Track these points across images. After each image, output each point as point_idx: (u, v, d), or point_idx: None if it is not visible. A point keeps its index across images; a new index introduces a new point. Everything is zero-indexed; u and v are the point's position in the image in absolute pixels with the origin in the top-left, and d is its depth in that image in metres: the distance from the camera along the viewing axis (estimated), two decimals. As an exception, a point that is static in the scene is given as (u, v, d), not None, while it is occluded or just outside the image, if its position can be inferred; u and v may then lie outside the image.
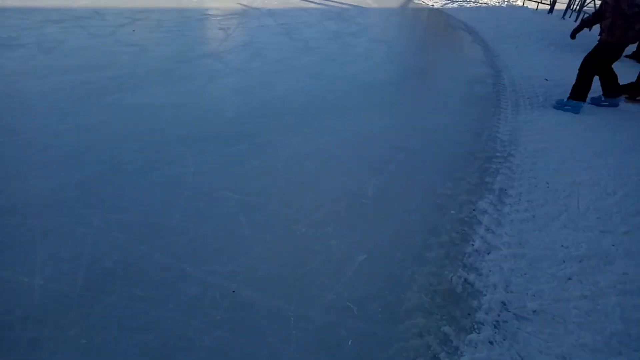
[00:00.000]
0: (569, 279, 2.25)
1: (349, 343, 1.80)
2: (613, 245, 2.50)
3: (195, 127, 3.74)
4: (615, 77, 4.79)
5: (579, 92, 4.74)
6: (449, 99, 5.23)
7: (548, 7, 11.97)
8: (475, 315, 2.00)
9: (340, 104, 4.64)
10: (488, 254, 2.44)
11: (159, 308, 1.90)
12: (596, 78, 4.82)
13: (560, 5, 12.06)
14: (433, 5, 14.04)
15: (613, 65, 4.76)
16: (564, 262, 2.38)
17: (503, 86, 5.84)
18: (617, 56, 4.62)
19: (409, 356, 1.77)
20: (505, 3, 13.41)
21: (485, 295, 2.13)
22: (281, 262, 2.24)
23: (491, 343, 1.85)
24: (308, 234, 2.48)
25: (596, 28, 4.92)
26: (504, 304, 2.07)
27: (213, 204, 2.68)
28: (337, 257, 2.31)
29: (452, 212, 2.81)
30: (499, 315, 2.00)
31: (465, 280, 2.23)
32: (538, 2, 12.58)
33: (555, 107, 4.93)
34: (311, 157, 3.38)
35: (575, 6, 11.08)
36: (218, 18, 8.78)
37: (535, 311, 2.02)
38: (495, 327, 1.94)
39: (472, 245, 2.51)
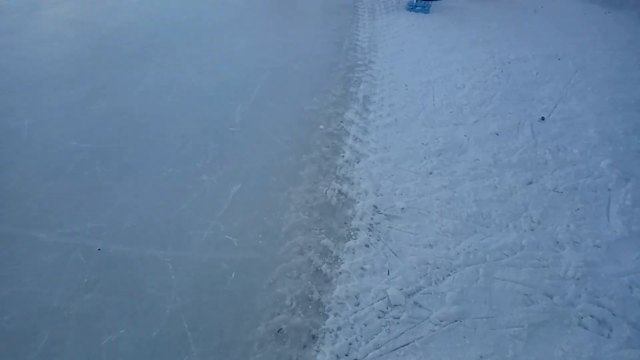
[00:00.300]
0: (430, 173, 2.43)
1: (232, 276, 1.78)
2: (465, 136, 2.73)
3: (22, 71, 3.19)
4: None
5: None
6: (308, 10, 5.10)
7: None
8: (351, 223, 2.09)
9: (196, 26, 4.28)
10: (358, 162, 2.52)
11: (12, 284, 1.68)
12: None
13: None
14: None
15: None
16: (425, 158, 2.54)
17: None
18: None
19: (293, 275, 1.81)
20: None
21: (358, 202, 2.22)
22: (150, 208, 2.09)
23: (367, 246, 1.96)
24: (176, 173, 2.33)
25: None
26: (375, 207, 2.18)
27: (59, 157, 2.36)
28: (210, 192, 2.22)
29: (321, 127, 2.82)
30: (372, 219, 2.11)
31: (339, 191, 2.29)
32: None
33: (407, 9, 5.06)
34: (169, 90, 3.11)
35: None
36: None
37: (403, 209, 2.17)
38: (369, 230, 2.05)
39: (343, 156, 2.57)
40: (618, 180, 2.30)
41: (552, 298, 1.70)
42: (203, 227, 2.01)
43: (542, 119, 2.85)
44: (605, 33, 4.43)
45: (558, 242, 1.96)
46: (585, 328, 1.60)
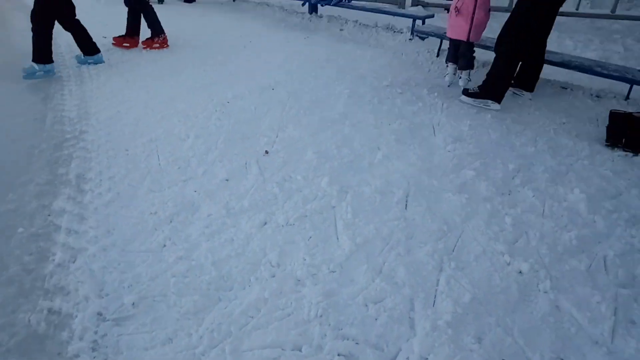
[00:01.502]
0: (164, 246, 2.16)
1: None
2: (195, 191, 2.55)
3: None
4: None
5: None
6: (7, 88, 4.27)
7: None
8: (67, 350, 1.66)
9: None
10: (74, 262, 2.08)
11: None
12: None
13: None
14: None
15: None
16: (155, 230, 2.27)
17: (61, 55, 5.22)
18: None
19: None
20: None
21: (76, 316, 1.80)
22: None
23: (92, 373, 1.58)
24: None
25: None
26: (100, 314, 1.80)
27: None
28: None
29: (21, 230, 2.28)
30: (96, 332, 1.73)
31: (50, 310, 1.83)
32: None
33: (79, 63, 4.86)
34: None
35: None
36: None
37: (134, 303, 1.84)
38: (93, 350, 1.66)
39: (53, 260, 2.10)
40: (339, 195, 2.43)
41: (301, 350, 1.61)
42: None
43: (266, 152, 2.88)
44: (306, 56, 4.91)
45: (299, 280, 1.92)
46: (336, 371, 1.55)
